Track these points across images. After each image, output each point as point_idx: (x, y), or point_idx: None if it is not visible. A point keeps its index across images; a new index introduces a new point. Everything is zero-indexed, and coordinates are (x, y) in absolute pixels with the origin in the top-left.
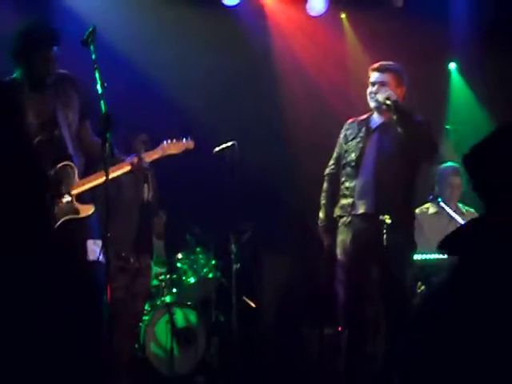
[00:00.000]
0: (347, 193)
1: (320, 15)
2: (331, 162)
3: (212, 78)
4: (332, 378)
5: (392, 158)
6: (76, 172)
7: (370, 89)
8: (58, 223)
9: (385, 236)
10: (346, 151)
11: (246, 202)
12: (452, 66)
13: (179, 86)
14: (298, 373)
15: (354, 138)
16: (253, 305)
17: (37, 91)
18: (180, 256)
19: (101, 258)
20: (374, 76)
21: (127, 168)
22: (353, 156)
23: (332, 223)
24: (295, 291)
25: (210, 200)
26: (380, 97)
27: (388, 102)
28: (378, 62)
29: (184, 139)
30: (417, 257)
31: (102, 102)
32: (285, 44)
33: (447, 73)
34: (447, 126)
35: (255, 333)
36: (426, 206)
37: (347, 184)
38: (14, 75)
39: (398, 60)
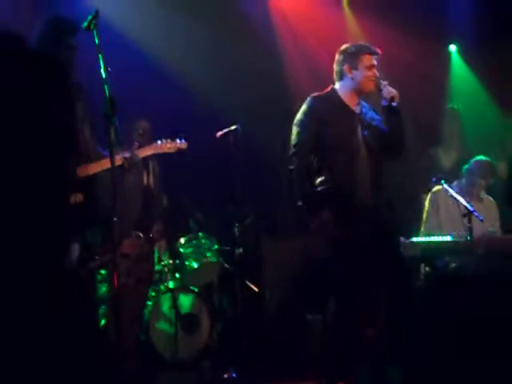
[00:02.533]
0: (344, 179)
1: None
2: (304, 136)
3: (216, 61)
4: (335, 362)
5: (376, 146)
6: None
7: (371, 72)
8: None
9: (385, 220)
10: (332, 134)
11: (249, 187)
12: (452, 47)
13: (185, 70)
14: (301, 357)
15: (341, 121)
16: (256, 289)
17: None
18: (182, 241)
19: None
20: (374, 60)
21: (118, 162)
22: (348, 143)
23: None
24: (298, 275)
25: (213, 185)
26: (386, 91)
27: (394, 104)
28: (372, 42)
29: (178, 140)
30: (421, 239)
31: (105, 86)
32: (286, 24)
33: (447, 54)
34: (454, 106)
35: (259, 317)
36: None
37: (343, 170)
38: None
39: (397, 40)
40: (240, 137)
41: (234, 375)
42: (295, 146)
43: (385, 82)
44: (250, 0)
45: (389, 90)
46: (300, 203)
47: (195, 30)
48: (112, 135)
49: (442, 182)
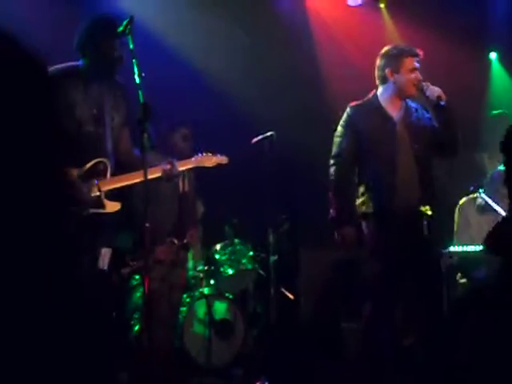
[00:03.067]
0: (383, 188)
1: (359, 5)
2: (342, 146)
3: (254, 68)
4: (371, 371)
5: (425, 150)
6: (109, 170)
7: (414, 75)
8: (84, 214)
9: (425, 228)
10: (370, 142)
11: (285, 193)
12: (493, 55)
13: (222, 77)
14: (336, 365)
15: (379, 129)
16: (291, 296)
17: (97, 84)
18: (218, 247)
19: (105, 267)
20: (416, 62)
21: (157, 174)
22: (385, 149)
23: (351, 215)
24: (334, 283)
25: (249, 191)
26: (431, 92)
27: (442, 103)
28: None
29: (218, 155)
30: (458, 249)
31: (139, 92)
32: (325, 34)
33: (487, 62)
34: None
35: (293, 325)
36: (474, 196)
37: (381, 179)
38: (78, 63)
39: (437, 49)
40: (275, 143)
41: (266, 383)
42: (333, 157)
43: (427, 83)
44: (288, 7)
45: (433, 90)
46: (332, 214)
47: (233, 36)
48: (145, 141)
49: (480, 190)
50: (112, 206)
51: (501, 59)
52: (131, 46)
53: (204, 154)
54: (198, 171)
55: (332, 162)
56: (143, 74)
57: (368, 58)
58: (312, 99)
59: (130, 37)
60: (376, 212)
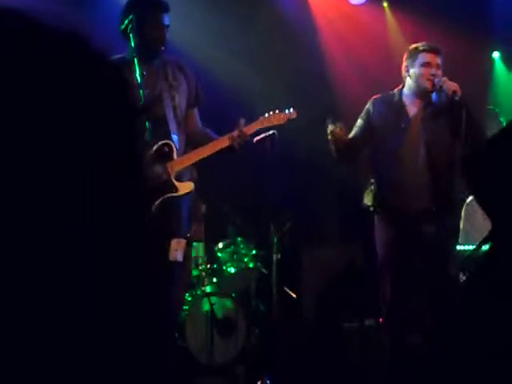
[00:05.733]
0: (387, 183)
1: (362, 3)
2: (351, 133)
3: (256, 66)
4: (373, 370)
5: (442, 147)
6: (175, 151)
7: (426, 70)
8: (157, 202)
9: (429, 225)
10: (381, 136)
11: (287, 192)
12: (496, 54)
13: (226, 75)
14: (337, 364)
15: (393, 124)
16: (293, 295)
17: (146, 66)
18: (221, 246)
19: (180, 259)
20: (430, 57)
21: (225, 144)
22: (395, 145)
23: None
24: (336, 282)
25: (251, 190)
26: (446, 87)
27: (456, 98)
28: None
29: (286, 110)
30: (462, 247)
31: (141, 91)
32: (328, 30)
33: (490, 61)
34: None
35: (295, 323)
36: None
37: (388, 174)
38: (123, 55)
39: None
40: (277, 142)
41: (267, 382)
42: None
43: (444, 78)
44: (290, 6)
45: (449, 85)
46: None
47: (234, 34)
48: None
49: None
50: (185, 187)
51: (504, 59)
52: (133, 45)
53: (270, 113)
54: (201, 169)
55: None
56: (144, 73)
57: (372, 56)
58: (315, 97)
59: (131, 35)
60: (377, 207)
